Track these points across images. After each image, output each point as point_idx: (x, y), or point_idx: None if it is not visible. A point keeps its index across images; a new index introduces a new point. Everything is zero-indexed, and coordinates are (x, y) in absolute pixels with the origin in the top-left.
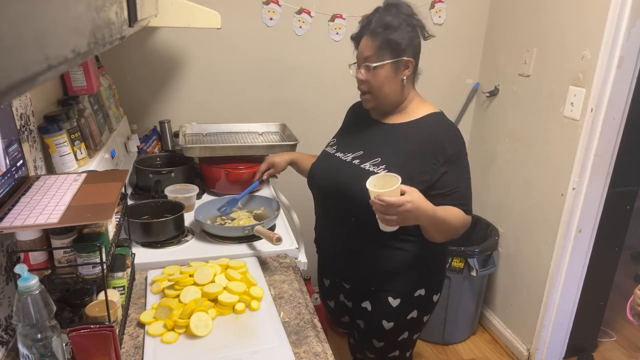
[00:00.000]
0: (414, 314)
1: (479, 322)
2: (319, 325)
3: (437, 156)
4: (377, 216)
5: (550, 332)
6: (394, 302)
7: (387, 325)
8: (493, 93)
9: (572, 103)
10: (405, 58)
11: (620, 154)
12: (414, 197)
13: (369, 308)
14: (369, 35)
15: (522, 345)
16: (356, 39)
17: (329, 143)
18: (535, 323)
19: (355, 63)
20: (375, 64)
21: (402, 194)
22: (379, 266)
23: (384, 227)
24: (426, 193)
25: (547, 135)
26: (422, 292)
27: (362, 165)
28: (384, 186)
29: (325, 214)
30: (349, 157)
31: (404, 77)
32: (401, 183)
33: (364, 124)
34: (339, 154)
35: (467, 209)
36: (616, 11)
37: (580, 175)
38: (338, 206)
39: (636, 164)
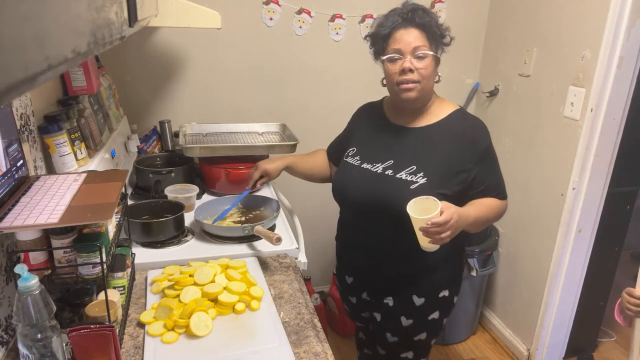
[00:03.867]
0: (436, 315)
1: (479, 322)
2: (319, 325)
3: (470, 153)
4: (428, 240)
5: (550, 332)
6: (418, 300)
7: (406, 322)
8: (493, 93)
9: (572, 103)
10: (438, 56)
11: (620, 154)
12: (453, 208)
13: (391, 303)
14: (415, 28)
15: (522, 345)
16: (386, 33)
17: (347, 153)
18: (535, 323)
19: (387, 57)
20: (431, 52)
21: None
22: (410, 269)
23: (429, 248)
24: (465, 192)
25: (547, 135)
26: (446, 293)
27: (397, 176)
28: (423, 210)
29: (357, 224)
30: (378, 167)
31: (439, 74)
32: (437, 191)
33: (384, 130)
34: (365, 165)
35: (503, 196)
36: (616, 11)
37: (580, 175)
38: (374, 218)
39: (636, 164)
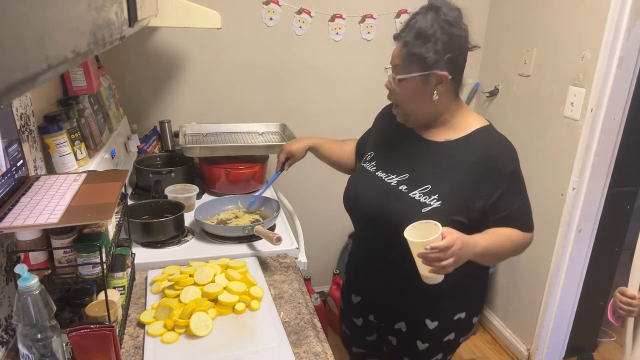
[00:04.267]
0: (451, 336)
1: (479, 322)
2: (319, 325)
3: (493, 178)
4: (428, 269)
5: (550, 332)
6: (432, 324)
7: (422, 346)
8: (493, 93)
9: (572, 103)
10: (437, 72)
11: (620, 154)
12: (457, 234)
13: (404, 329)
14: (400, 43)
15: (522, 345)
16: (395, 40)
17: (365, 157)
18: (535, 323)
19: (390, 67)
20: (400, 76)
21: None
22: (421, 293)
23: (430, 279)
24: (484, 220)
25: (547, 135)
26: (462, 315)
27: (411, 194)
28: (424, 235)
29: (365, 238)
30: (393, 180)
31: (435, 92)
32: (452, 217)
33: (405, 139)
34: (380, 174)
35: (528, 227)
36: (616, 11)
37: (580, 175)
38: (382, 234)
39: (636, 164)
